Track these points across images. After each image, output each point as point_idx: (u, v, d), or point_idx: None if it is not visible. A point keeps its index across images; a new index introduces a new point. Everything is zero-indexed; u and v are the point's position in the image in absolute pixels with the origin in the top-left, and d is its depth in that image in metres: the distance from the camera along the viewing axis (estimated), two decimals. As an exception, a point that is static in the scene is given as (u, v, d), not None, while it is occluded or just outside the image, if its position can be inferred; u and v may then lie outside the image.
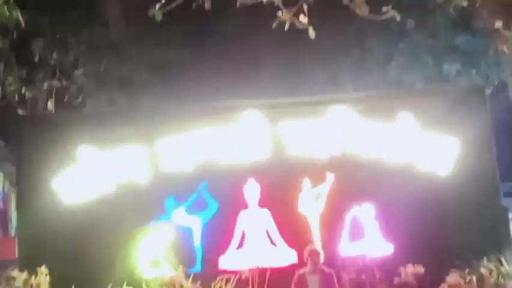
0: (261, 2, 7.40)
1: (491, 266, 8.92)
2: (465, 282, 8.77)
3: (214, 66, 10.83)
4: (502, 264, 8.95)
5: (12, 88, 10.07)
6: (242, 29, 9.18)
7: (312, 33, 7.41)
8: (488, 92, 10.95)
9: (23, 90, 10.21)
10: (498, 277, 8.76)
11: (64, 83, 10.50)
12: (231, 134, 10.50)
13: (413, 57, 11.44)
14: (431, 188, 10.22)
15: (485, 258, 9.06)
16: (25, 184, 11.12)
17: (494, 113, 11.12)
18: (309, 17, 7.35)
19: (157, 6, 7.28)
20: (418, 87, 11.39)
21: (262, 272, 9.70)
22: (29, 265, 9.04)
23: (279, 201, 10.56)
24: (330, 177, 10.57)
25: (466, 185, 10.35)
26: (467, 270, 8.91)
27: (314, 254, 9.02)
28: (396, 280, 9.44)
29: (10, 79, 10.14)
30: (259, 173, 10.54)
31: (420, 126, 10.42)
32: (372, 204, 10.45)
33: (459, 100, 10.93)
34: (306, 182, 10.61)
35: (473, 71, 10.93)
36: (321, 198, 10.60)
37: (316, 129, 10.50)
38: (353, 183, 10.47)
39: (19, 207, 11.61)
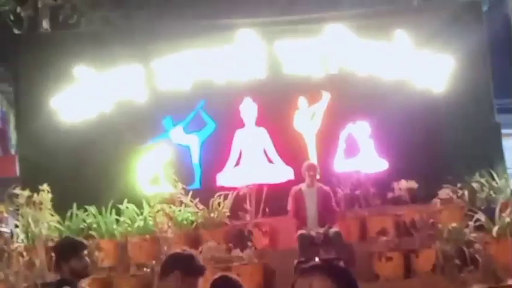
0: None
1: (483, 180, 8.97)
2: (457, 197, 8.86)
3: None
4: (493, 179, 9.03)
5: (6, 7, 9.88)
6: None
7: None
8: (485, 7, 10.76)
9: (18, 9, 10.01)
10: (489, 191, 8.83)
11: (59, 1, 10.30)
12: (227, 52, 10.37)
13: None
14: (425, 105, 10.24)
15: (477, 174, 9.11)
16: (24, 103, 11.08)
17: (491, 29, 10.96)
18: None
19: None
20: (413, 3, 11.16)
21: (259, 188, 9.80)
22: (31, 183, 9.08)
23: (276, 119, 10.56)
24: (326, 95, 10.55)
25: (460, 102, 10.36)
26: (459, 185, 8.98)
27: (311, 168, 9.06)
28: (389, 195, 9.56)
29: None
30: (256, 92, 10.49)
31: (416, 43, 10.33)
32: (367, 122, 10.45)
33: (455, 16, 10.81)
34: (302, 101, 10.58)
35: None
36: (317, 117, 10.60)
37: (312, 48, 10.37)
38: (349, 101, 10.48)
39: (19, 127, 11.63)
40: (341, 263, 1.83)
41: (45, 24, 10.14)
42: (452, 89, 10.38)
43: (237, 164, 10.44)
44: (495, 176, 9.11)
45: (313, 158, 10.03)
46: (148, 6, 10.73)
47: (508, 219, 7.91)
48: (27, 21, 10.18)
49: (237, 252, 8.28)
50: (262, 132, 10.54)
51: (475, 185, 8.92)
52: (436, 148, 9.92)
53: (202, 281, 4.41)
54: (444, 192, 8.94)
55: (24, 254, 7.94)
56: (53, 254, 5.52)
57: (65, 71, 10.31)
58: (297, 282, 1.92)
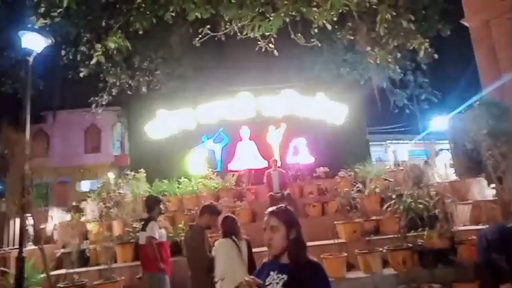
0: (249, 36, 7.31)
1: (361, 167, 8.96)
2: (348, 176, 8.84)
3: (225, 67, 10.69)
4: (365, 166, 9.01)
5: (124, 81, 9.92)
6: (240, 48, 8.96)
7: (276, 52, 7.38)
8: (362, 81, 10.87)
9: (130, 81, 10.06)
10: (363, 173, 8.82)
11: (150, 78, 10.35)
12: (234, 103, 10.35)
13: (327, 65, 11.28)
14: (332, 130, 10.29)
15: (358, 164, 9.07)
16: (132, 128, 11.15)
17: (365, 91, 11.05)
18: (274, 43, 7.30)
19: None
20: (328, 79, 11.19)
21: (250, 171, 9.84)
22: (135, 168, 9.09)
23: (258, 137, 10.60)
24: (283, 125, 10.61)
25: (349, 129, 10.45)
26: (349, 170, 8.92)
27: (274, 161, 9.11)
28: (314, 174, 9.59)
29: (124, 76, 9.97)
30: (249, 123, 10.54)
31: (329, 99, 10.39)
32: (304, 138, 10.53)
33: (348, 86, 10.93)
34: (271, 128, 10.64)
35: (355, 72, 10.82)
36: (279, 135, 10.66)
37: (276, 101, 10.34)
38: (294, 127, 10.50)
39: (129, 140, 11.63)
40: (285, 208, 1.84)
41: (144, 89, 10.17)
42: (345, 122, 10.46)
43: (239, 158, 10.49)
44: (366, 165, 9.10)
45: (276, 156, 10.05)
46: (195, 81, 10.75)
47: (372, 187, 7.92)
48: (134, 88, 10.19)
49: (238, 203, 8.30)
50: (252, 143, 10.60)
51: (356, 169, 8.89)
52: (338, 152, 9.92)
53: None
54: (342, 173, 8.93)
55: (131, 203, 7.95)
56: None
57: (152, 112, 10.34)
58: (264, 220, 1.99)
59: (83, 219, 7.80)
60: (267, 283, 1.88)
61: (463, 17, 8.21)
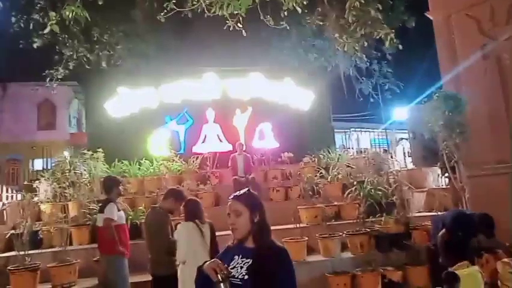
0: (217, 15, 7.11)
1: (324, 154, 9.14)
2: (312, 161, 8.99)
3: (191, 45, 10.33)
4: (330, 153, 9.20)
5: (82, 54, 9.38)
6: (207, 27, 8.69)
7: (244, 33, 7.24)
8: (329, 68, 10.98)
9: (89, 55, 9.53)
10: (327, 159, 9.01)
11: (111, 52, 9.85)
12: (200, 84, 10.12)
13: (294, 50, 11.21)
14: (298, 115, 10.37)
15: (322, 150, 9.25)
16: (90, 105, 10.68)
17: (331, 78, 11.20)
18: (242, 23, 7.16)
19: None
20: (296, 64, 11.17)
21: (214, 154, 9.77)
22: (93, 147, 8.74)
23: (224, 119, 10.53)
24: (250, 109, 10.59)
25: (314, 115, 10.60)
26: (313, 155, 9.07)
27: (240, 145, 9.04)
28: (279, 160, 9.68)
29: (82, 49, 9.43)
30: (214, 105, 10.41)
31: (295, 84, 10.42)
32: (269, 123, 10.56)
33: (315, 72, 11.02)
34: (237, 111, 10.58)
35: (322, 58, 10.88)
36: (245, 119, 10.63)
37: (243, 84, 10.21)
38: (260, 112, 10.50)
39: (87, 117, 11.13)
40: (248, 192, 1.83)
41: (104, 64, 9.67)
42: (311, 108, 10.57)
43: (203, 141, 10.37)
44: (330, 151, 9.29)
45: (242, 140, 10.01)
46: (157, 57, 10.33)
47: (335, 173, 8.09)
48: (94, 63, 9.67)
49: (202, 186, 8.24)
50: (217, 126, 10.51)
51: (320, 155, 9.05)
52: (303, 137, 10.10)
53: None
54: (306, 159, 9.08)
55: (88, 184, 7.66)
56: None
57: (113, 89, 9.91)
58: (227, 205, 1.95)
59: (35, 199, 7.42)
60: (230, 267, 1.86)
61: (428, 10, 8.52)
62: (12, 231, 6.12)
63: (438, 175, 7.86)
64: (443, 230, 2.60)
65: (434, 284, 2.00)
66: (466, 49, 6.47)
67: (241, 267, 1.86)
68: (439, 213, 5.93)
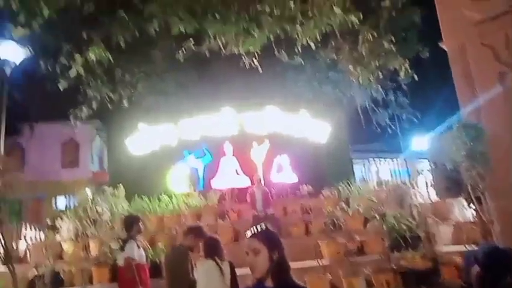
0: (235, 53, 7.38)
1: (344, 186, 9.00)
2: (332, 194, 8.90)
3: (208, 82, 10.60)
4: (349, 185, 9.04)
5: (105, 94, 9.72)
6: (224, 64, 8.97)
7: (260, 69, 7.46)
8: (344, 100, 10.95)
9: (111, 95, 9.86)
10: (347, 192, 8.86)
11: (132, 91, 10.17)
12: (218, 119, 10.20)
13: (309, 83, 11.27)
14: (315, 148, 10.29)
15: (341, 182, 9.11)
16: (112, 142, 10.93)
17: (348, 109, 11.15)
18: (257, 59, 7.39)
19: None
20: (311, 97, 11.18)
21: (233, 189, 9.75)
22: (114, 184, 8.86)
23: (242, 153, 10.57)
24: (267, 142, 10.63)
25: (332, 146, 10.50)
26: (332, 188, 8.99)
27: (258, 179, 9.02)
28: (298, 193, 9.58)
29: (105, 89, 9.78)
30: (232, 139, 10.49)
31: (311, 116, 10.43)
32: (287, 156, 10.55)
33: (331, 104, 11.03)
34: (255, 144, 10.63)
35: (337, 90, 10.90)
36: (263, 152, 10.65)
37: (260, 118, 10.22)
38: (278, 145, 10.50)
39: (109, 155, 11.37)
40: (266, 229, 1.79)
41: (125, 103, 9.98)
42: (328, 140, 10.49)
43: (222, 176, 10.39)
44: (350, 184, 9.13)
45: (260, 174, 9.98)
46: (177, 95, 10.61)
47: (356, 206, 7.94)
48: (116, 102, 9.99)
49: (221, 222, 8.18)
50: (235, 160, 10.54)
51: (340, 188, 8.91)
52: (321, 170, 10.01)
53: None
54: (326, 192, 8.96)
55: (109, 222, 7.71)
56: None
57: (133, 126, 10.15)
58: (245, 242, 1.92)
59: (58, 238, 7.50)
60: None
61: (442, 40, 8.57)
62: (35, 272, 6.15)
63: (464, 207, 7.57)
64: (476, 267, 2.46)
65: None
66: (483, 77, 6.42)
67: None
68: (469, 248, 5.65)
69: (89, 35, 7.83)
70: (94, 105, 9.76)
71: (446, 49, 7.35)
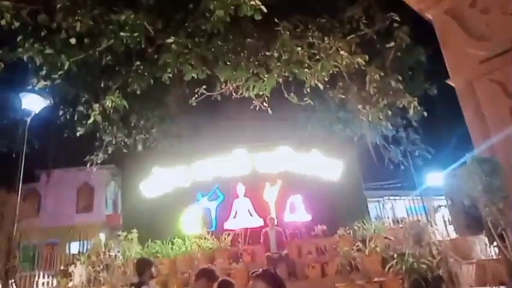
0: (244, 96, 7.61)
1: (359, 225, 8.81)
2: (347, 234, 8.72)
3: (221, 124, 10.77)
4: (364, 224, 8.86)
5: (120, 139, 9.98)
6: (235, 107, 9.20)
7: (270, 111, 7.64)
8: (355, 138, 10.95)
9: (126, 140, 10.11)
10: (363, 231, 8.69)
11: (146, 136, 10.42)
12: (230, 160, 10.34)
13: (320, 123, 11.30)
14: (328, 186, 10.20)
15: (356, 222, 8.93)
16: (126, 186, 11.03)
17: (360, 147, 11.14)
18: (268, 102, 7.59)
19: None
20: (322, 136, 11.19)
21: (246, 230, 9.62)
22: (127, 228, 8.85)
23: (254, 194, 10.53)
24: (279, 182, 10.60)
25: (345, 185, 10.38)
26: (347, 228, 8.82)
27: (272, 219, 8.95)
28: (312, 233, 9.40)
29: (120, 135, 10.06)
30: (244, 180, 10.51)
31: (323, 155, 10.45)
32: (300, 195, 10.47)
33: (342, 143, 11.02)
34: (267, 185, 10.61)
35: (348, 129, 10.90)
36: (275, 192, 10.60)
37: (271, 158, 10.35)
38: (290, 185, 10.48)
39: (123, 198, 11.44)
40: (271, 271, 1.76)
41: (139, 147, 10.21)
42: (341, 178, 10.43)
43: (235, 217, 10.31)
44: (365, 222, 8.94)
45: (273, 214, 9.90)
46: (189, 139, 10.75)
47: (373, 246, 7.73)
48: (130, 146, 10.22)
49: (234, 265, 8.01)
50: (247, 201, 10.50)
51: (355, 227, 8.73)
52: (335, 209, 9.80)
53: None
54: (341, 231, 8.77)
55: (121, 267, 7.63)
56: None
57: (148, 170, 10.29)
58: (251, 281, 1.90)
59: (70, 284, 7.41)
60: None
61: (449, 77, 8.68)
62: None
63: (486, 244, 7.26)
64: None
65: None
66: (494, 113, 6.39)
67: None
68: (494, 288, 5.38)
69: (106, 84, 8.24)
70: (110, 150, 10.03)
71: (454, 86, 7.45)
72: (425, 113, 8.21)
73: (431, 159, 11.07)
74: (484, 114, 6.59)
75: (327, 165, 10.43)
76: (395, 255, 6.71)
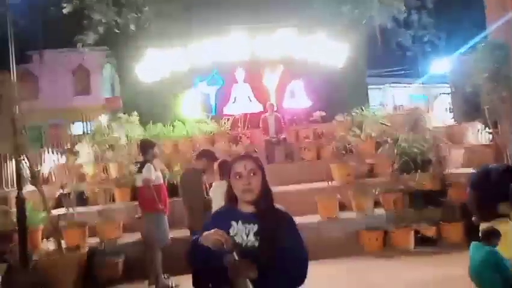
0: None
1: (358, 112, 8.87)
2: (345, 120, 8.88)
3: (218, 3, 10.04)
4: (362, 110, 8.91)
5: (111, 18, 9.45)
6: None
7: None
8: (363, 21, 10.36)
9: (117, 19, 9.58)
10: (361, 118, 8.70)
11: (139, 15, 9.84)
12: (229, 43, 9.92)
13: (326, 2, 10.48)
14: (331, 72, 9.95)
15: (355, 108, 8.97)
16: (123, 69, 10.87)
17: (366, 32, 10.62)
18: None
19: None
20: (328, 18, 10.51)
21: (245, 115, 9.83)
22: (128, 111, 9.04)
23: (254, 79, 10.45)
24: (280, 67, 10.43)
25: (348, 71, 10.14)
26: (346, 114, 8.94)
27: (271, 105, 9.09)
28: (311, 118, 9.61)
29: (110, 13, 9.50)
30: (244, 64, 10.31)
31: (328, 39, 10.00)
32: (301, 81, 10.42)
33: (349, 25, 10.44)
34: (267, 69, 10.47)
35: (357, 11, 10.21)
36: (276, 78, 10.52)
37: (273, 41, 9.89)
38: (292, 70, 10.31)
39: (121, 81, 11.39)
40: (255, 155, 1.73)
41: (132, 27, 9.73)
42: (345, 65, 10.16)
43: (234, 102, 10.44)
44: (364, 109, 9.02)
45: (273, 100, 9.98)
46: (184, 19, 10.11)
47: (368, 130, 7.97)
48: (122, 26, 9.73)
49: (234, 147, 8.41)
50: (247, 86, 10.49)
51: (354, 114, 8.82)
52: (336, 95, 9.78)
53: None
54: (339, 117, 8.94)
55: (125, 146, 8.02)
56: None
57: (143, 52, 9.99)
58: (236, 162, 1.80)
59: (78, 161, 7.92)
60: (231, 234, 1.70)
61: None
62: (61, 191, 6.63)
63: (478, 130, 7.56)
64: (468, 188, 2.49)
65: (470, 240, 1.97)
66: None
67: (246, 234, 1.72)
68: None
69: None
70: (101, 30, 9.58)
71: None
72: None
73: (439, 46, 10.75)
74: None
75: (331, 50, 10.05)
76: (389, 140, 7.03)
